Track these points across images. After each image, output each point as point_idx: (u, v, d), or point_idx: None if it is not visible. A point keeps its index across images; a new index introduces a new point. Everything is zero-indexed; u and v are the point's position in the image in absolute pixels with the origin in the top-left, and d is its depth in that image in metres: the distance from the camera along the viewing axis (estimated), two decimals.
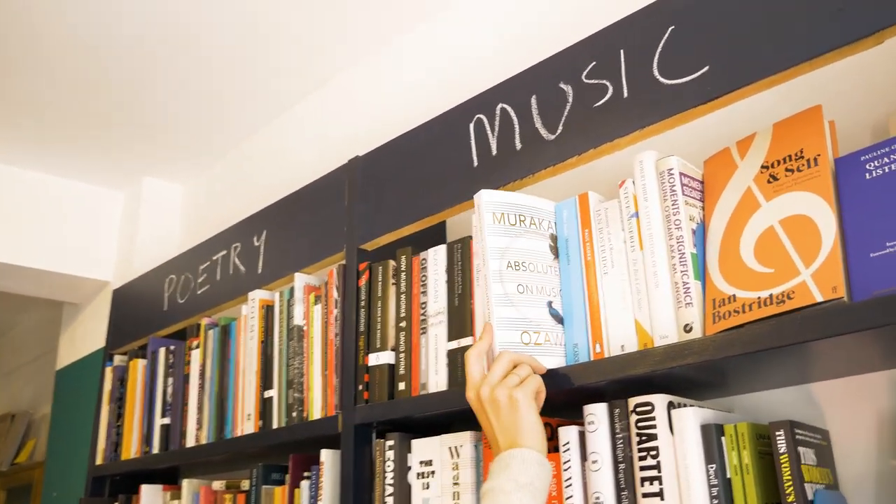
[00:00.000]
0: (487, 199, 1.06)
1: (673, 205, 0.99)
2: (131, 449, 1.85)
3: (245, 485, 1.55)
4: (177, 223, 2.59)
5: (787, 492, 0.84)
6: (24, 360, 3.92)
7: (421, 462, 1.18)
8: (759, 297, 0.88)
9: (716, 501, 0.88)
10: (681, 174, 1.00)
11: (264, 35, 1.91)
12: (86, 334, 2.63)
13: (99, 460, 1.95)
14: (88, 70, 2.03)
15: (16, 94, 2.13)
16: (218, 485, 1.62)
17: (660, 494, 0.90)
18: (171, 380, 1.80)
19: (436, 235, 1.41)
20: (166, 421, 1.76)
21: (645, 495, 0.92)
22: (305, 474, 1.37)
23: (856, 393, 1.01)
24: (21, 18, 1.83)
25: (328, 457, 1.31)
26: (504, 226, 1.06)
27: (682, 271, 0.95)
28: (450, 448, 1.15)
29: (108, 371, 2.03)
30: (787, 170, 0.94)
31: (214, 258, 1.81)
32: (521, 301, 1.04)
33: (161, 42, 1.93)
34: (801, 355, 0.91)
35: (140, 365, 1.92)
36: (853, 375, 1.01)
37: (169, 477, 1.84)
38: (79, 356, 2.63)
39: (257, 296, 1.58)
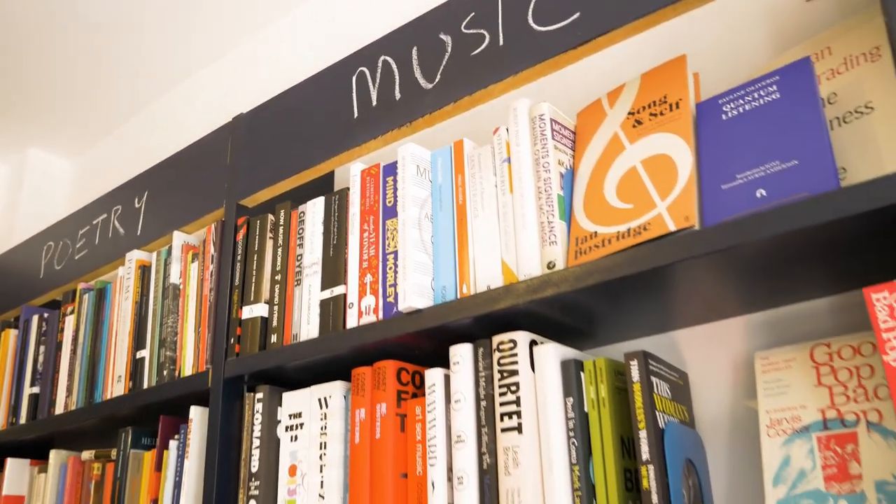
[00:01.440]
0: (412, 151, 1.08)
1: (543, 148, 0.99)
2: None
3: (115, 454, 1.48)
4: (64, 198, 2.48)
5: (639, 418, 0.85)
6: None
7: (290, 415, 1.16)
8: (618, 231, 0.89)
9: (571, 434, 0.88)
10: (552, 120, 1.01)
11: (154, 6, 1.86)
12: None
13: None
14: None
15: None
16: (87, 454, 1.54)
17: (518, 428, 0.90)
18: (42, 348, 1.71)
19: (326, 191, 1.39)
20: (35, 390, 1.67)
21: (504, 430, 0.91)
22: (176, 436, 1.32)
23: (714, 339, 1.04)
24: None
25: (197, 414, 1.26)
26: (423, 179, 1.07)
27: (548, 211, 0.96)
28: (319, 399, 1.13)
29: None
30: (651, 114, 0.96)
31: (94, 222, 1.73)
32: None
33: (47, 11, 1.85)
34: (659, 297, 0.93)
35: (12, 335, 1.82)
36: (712, 322, 1.04)
37: (40, 451, 1.74)
38: None
39: (134, 256, 1.52)
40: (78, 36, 1.97)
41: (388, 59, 1.21)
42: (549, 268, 0.94)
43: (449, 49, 1.13)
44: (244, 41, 2.01)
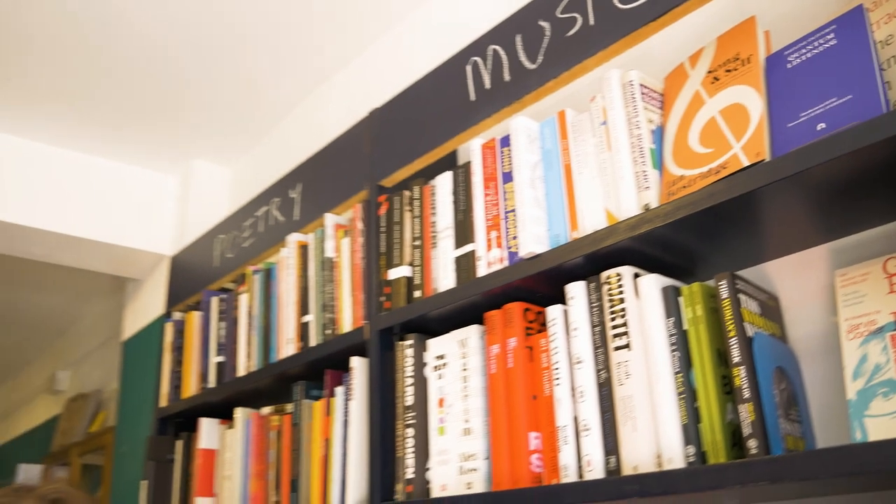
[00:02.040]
0: (522, 123, 1.27)
1: (634, 110, 1.15)
2: (190, 388, 2.07)
3: (290, 407, 1.74)
4: (224, 201, 2.82)
5: (729, 328, 1.00)
6: (92, 347, 4.22)
7: (435, 357, 1.37)
8: (700, 172, 1.05)
9: (673, 347, 1.04)
10: (640, 85, 1.17)
11: (290, 21, 2.12)
12: (147, 305, 2.88)
13: (163, 402, 2.18)
14: (138, 60, 2.27)
15: (81, 88, 2.38)
16: (266, 410, 1.82)
17: (627, 346, 1.07)
18: (223, 324, 2.01)
19: (451, 166, 1.59)
20: (220, 359, 1.98)
21: (615, 348, 1.08)
22: (340, 385, 1.56)
23: (801, 266, 1.16)
24: (73, 15, 2.07)
25: (357, 363, 1.50)
26: (533, 146, 1.26)
27: (641, 163, 1.12)
28: (459, 341, 1.33)
29: (168, 326, 2.26)
30: (726, 70, 1.10)
31: (257, 214, 2.02)
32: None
33: (201, 32, 2.15)
34: (744, 228, 1.07)
35: (196, 316, 2.14)
36: (797, 252, 1.16)
37: (225, 412, 2.05)
38: (142, 324, 2.88)
39: (294, 238, 1.78)
40: (227, 56, 2.27)
41: (496, 47, 1.40)
42: (644, 209, 1.10)
43: (547, 33, 1.30)
44: (371, 45, 2.25)
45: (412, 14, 2.12)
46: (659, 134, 1.16)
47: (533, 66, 1.32)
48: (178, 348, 2.19)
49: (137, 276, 3.00)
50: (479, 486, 1.22)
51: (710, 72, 1.13)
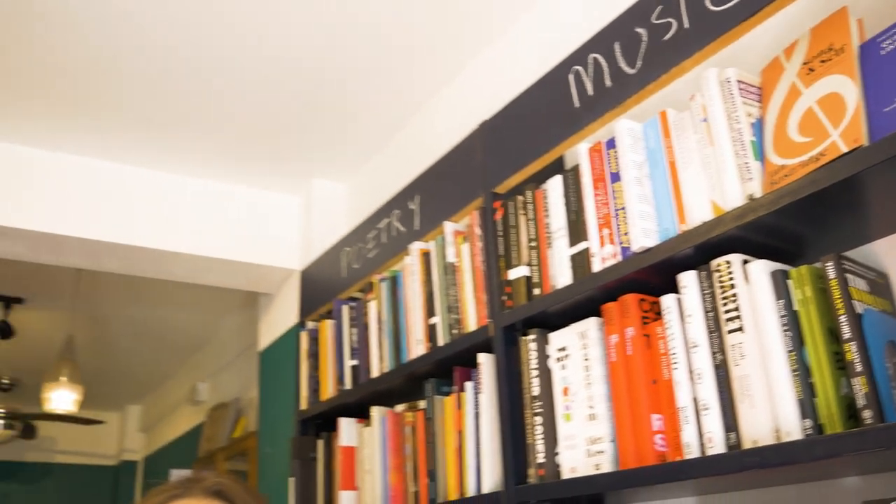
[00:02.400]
0: (626, 126, 1.36)
1: (732, 105, 1.22)
2: (328, 391, 2.25)
3: (422, 403, 1.88)
4: (344, 215, 3.01)
5: (838, 307, 1.05)
6: (228, 359, 4.53)
7: (557, 349, 1.47)
8: (800, 161, 1.11)
9: (785, 328, 1.10)
10: (738, 81, 1.23)
11: (398, 43, 2.27)
12: (280, 316, 3.10)
13: (303, 406, 2.37)
14: (255, 94, 2.48)
15: (212, 124, 2.62)
16: (399, 407, 1.97)
17: (740, 329, 1.14)
18: (354, 329, 2.18)
19: (558, 170, 1.69)
20: (354, 362, 2.14)
21: (730, 331, 1.16)
22: (469, 380, 1.68)
23: None
24: (194, 46, 2.29)
25: (484, 359, 1.62)
26: (638, 146, 1.35)
27: (743, 155, 1.19)
28: (579, 333, 1.43)
29: (303, 334, 2.45)
30: (821, 61, 1.15)
31: (379, 226, 2.18)
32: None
33: (309, 64, 2.33)
34: (847, 211, 1.12)
35: (328, 324, 2.32)
36: None
37: (362, 412, 2.21)
38: (277, 335, 3.10)
39: (416, 247, 1.92)
40: (336, 81, 2.44)
41: (596, 55, 1.49)
42: (749, 199, 1.16)
43: (644, 39, 1.38)
44: (474, 59, 2.37)
45: (512, 28, 2.22)
46: (759, 126, 1.22)
47: (632, 71, 1.40)
48: (314, 355, 2.37)
49: (269, 291, 3.23)
50: (606, 467, 1.31)
51: (805, 63, 1.18)
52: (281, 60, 2.34)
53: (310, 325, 2.46)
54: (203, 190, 2.99)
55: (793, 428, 1.05)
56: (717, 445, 1.13)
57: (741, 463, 1.06)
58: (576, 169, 1.47)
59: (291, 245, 3.07)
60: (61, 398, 3.84)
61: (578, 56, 1.53)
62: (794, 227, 1.17)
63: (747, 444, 1.10)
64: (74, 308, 4.07)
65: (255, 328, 3.55)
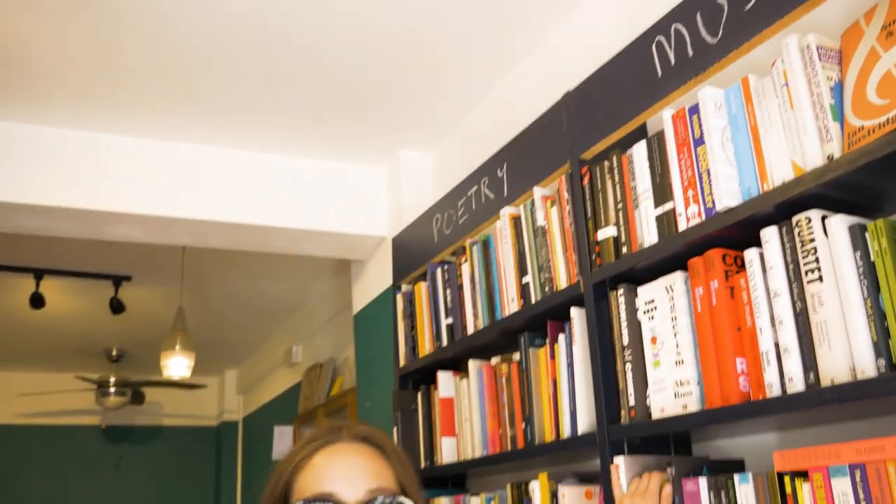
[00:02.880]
0: (709, 93, 1.45)
1: (812, 70, 1.30)
2: (425, 347, 2.42)
3: (516, 356, 2.03)
4: (430, 184, 3.16)
5: None
6: (322, 322, 4.79)
7: (645, 302, 1.59)
8: (878, 122, 1.19)
9: (862, 276, 1.19)
10: (818, 46, 1.31)
11: (482, 11, 2.37)
12: (374, 281, 3.29)
13: (402, 363, 2.55)
14: (340, 70, 2.63)
15: (304, 105, 2.79)
16: (494, 360, 2.12)
17: (819, 279, 1.24)
18: (448, 290, 2.33)
19: (641, 136, 1.78)
20: (450, 321, 2.30)
21: (808, 282, 1.25)
22: (561, 333, 1.82)
23: None
24: (286, 24, 2.44)
25: (576, 312, 1.75)
26: (720, 112, 1.44)
27: (822, 117, 1.27)
28: (665, 287, 1.54)
29: (399, 296, 2.62)
30: None
31: (469, 193, 2.32)
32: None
33: (394, 32, 2.46)
34: None
35: (423, 286, 2.49)
36: None
37: (457, 366, 2.37)
38: (371, 298, 3.30)
39: (507, 212, 2.06)
40: (418, 53, 2.57)
41: (678, 26, 1.58)
42: (828, 159, 1.25)
43: (726, 9, 1.47)
44: (554, 30, 2.46)
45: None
46: (838, 89, 1.30)
47: (714, 41, 1.49)
48: (410, 315, 2.54)
49: (361, 258, 3.43)
50: (693, 407, 1.43)
51: (884, 27, 1.25)
52: (370, 36, 2.47)
53: (404, 287, 2.63)
54: (297, 167, 3.19)
55: (867, 366, 1.15)
56: (797, 384, 1.24)
57: (820, 399, 1.17)
58: (660, 134, 1.58)
59: (381, 214, 3.25)
60: (177, 364, 4.17)
61: (661, 26, 1.62)
62: (871, 183, 1.25)
63: (826, 383, 1.20)
64: (177, 283, 4.38)
65: (346, 293, 3.75)
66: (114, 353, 6.07)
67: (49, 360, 6.37)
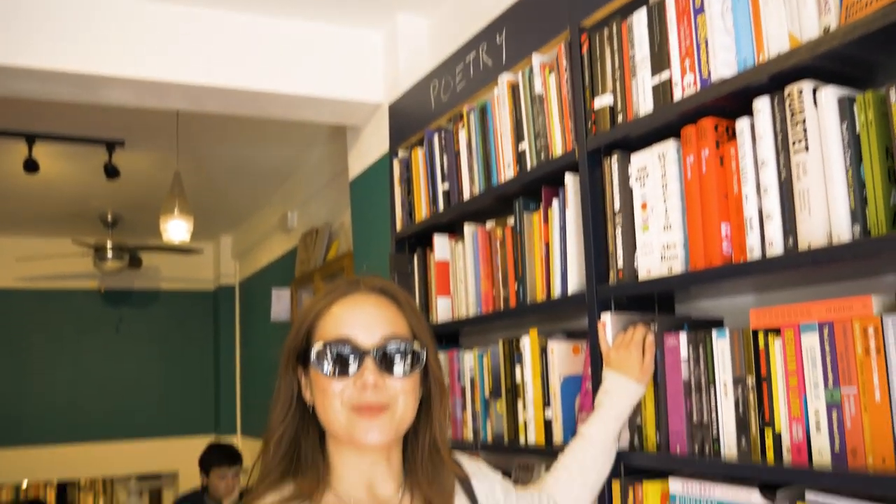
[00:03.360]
0: None
1: None
2: (422, 213, 2.49)
3: (511, 220, 2.10)
4: (427, 50, 3.14)
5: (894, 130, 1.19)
6: (317, 188, 4.85)
7: (637, 169, 1.64)
8: None
9: (847, 147, 1.25)
10: None
11: None
12: (370, 147, 3.33)
13: (398, 227, 2.63)
14: None
15: None
16: (489, 224, 2.20)
17: (805, 149, 1.30)
18: (445, 156, 2.38)
19: (642, 3, 1.78)
20: (446, 186, 2.36)
21: (795, 152, 1.31)
22: (555, 198, 1.88)
23: None
24: None
25: (570, 178, 1.81)
26: None
27: None
28: (658, 155, 1.60)
29: (396, 161, 2.67)
30: None
31: (467, 60, 2.32)
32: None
33: None
34: None
35: (420, 152, 2.53)
36: None
37: (453, 230, 2.45)
38: (367, 164, 3.34)
39: (504, 78, 2.08)
40: None
41: None
42: (825, 31, 1.28)
43: None
44: None
45: None
46: None
47: None
48: (407, 180, 2.60)
49: (357, 124, 3.44)
50: (678, 269, 1.52)
51: None
52: None
53: (401, 153, 2.67)
54: (294, 30, 3.14)
55: (844, 232, 1.23)
56: (776, 248, 1.32)
57: (796, 261, 1.26)
58: (660, 3, 1.58)
59: (378, 80, 3.23)
60: (176, 228, 4.24)
61: None
62: (865, 55, 1.28)
63: (803, 247, 1.28)
64: (171, 149, 4.39)
65: (341, 159, 3.79)
66: (109, 217, 6.14)
67: (45, 224, 6.44)
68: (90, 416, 6.90)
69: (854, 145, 1.25)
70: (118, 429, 6.98)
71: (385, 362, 1.18)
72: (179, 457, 6.85)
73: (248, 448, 5.70)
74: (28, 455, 6.69)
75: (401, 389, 1.19)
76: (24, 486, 10.96)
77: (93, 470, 7.46)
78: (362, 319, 1.20)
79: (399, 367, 1.19)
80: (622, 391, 1.56)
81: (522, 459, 2.14)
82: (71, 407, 6.85)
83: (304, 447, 1.22)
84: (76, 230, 6.40)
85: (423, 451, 1.26)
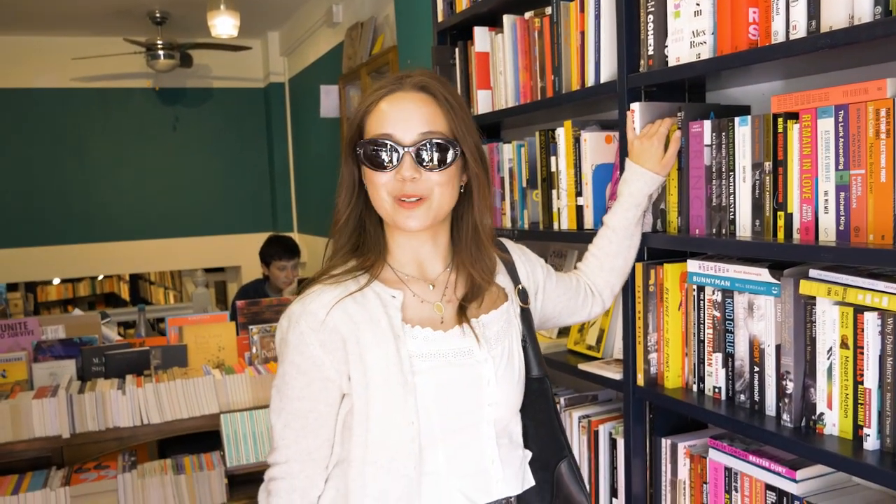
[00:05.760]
0: None
1: None
2: (462, 2, 2.49)
3: (548, 10, 2.10)
4: None
5: None
6: None
7: None
8: None
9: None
10: None
11: None
12: None
13: (440, 18, 2.64)
14: None
15: None
16: (528, 14, 2.20)
17: None
18: None
19: None
20: None
21: None
22: None
23: None
24: None
25: None
26: None
27: None
28: None
29: None
30: None
31: None
32: None
33: None
34: None
35: None
36: None
37: (493, 21, 2.45)
38: None
39: None
40: None
41: None
42: None
43: None
44: None
45: None
46: None
47: None
48: None
49: None
50: (706, 55, 1.56)
51: None
52: None
53: None
54: None
55: (865, 13, 1.25)
56: (800, 31, 1.35)
57: (815, 44, 1.29)
58: None
59: None
60: (223, 23, 4.25)
61: None
62: None
63: (825, 30, 1.31)
64: None
65: None
66: (157, 14, 6.15)
67: (96, 23, 6.48)
68: (156, 214, 7.28)
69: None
70: (182, 227, 7.36)
71: (421, 158, 1.29)
72: (242, 251, 7.26)
73: (306, 244, 6.06)
74: (101, 250, 7.16)
75: (437, 182, 1.31)
76: (100, 279, 11.86)
77: (161, 264, 7.97)
78: (402, 116, 1.30)
79: (435, 161, 1.30)
80: (639, 181, 1.65)
81: (556, 246, 2.30)
82: (137, 205, 7.22)
83: (368, 227, 1.38)
84: (126, 29, 6.44)
85: (466, 235, 1.41)
